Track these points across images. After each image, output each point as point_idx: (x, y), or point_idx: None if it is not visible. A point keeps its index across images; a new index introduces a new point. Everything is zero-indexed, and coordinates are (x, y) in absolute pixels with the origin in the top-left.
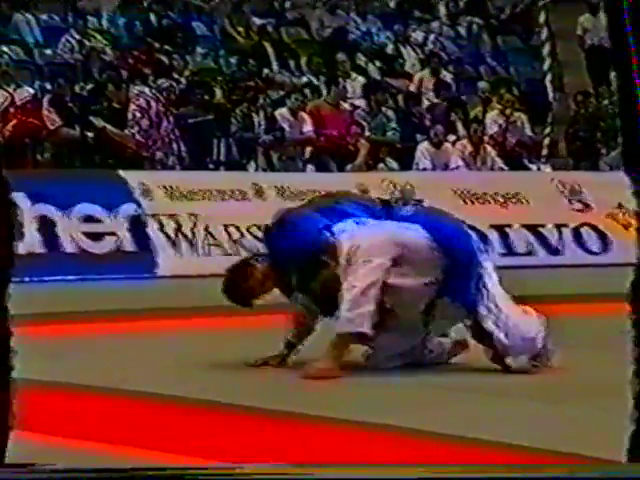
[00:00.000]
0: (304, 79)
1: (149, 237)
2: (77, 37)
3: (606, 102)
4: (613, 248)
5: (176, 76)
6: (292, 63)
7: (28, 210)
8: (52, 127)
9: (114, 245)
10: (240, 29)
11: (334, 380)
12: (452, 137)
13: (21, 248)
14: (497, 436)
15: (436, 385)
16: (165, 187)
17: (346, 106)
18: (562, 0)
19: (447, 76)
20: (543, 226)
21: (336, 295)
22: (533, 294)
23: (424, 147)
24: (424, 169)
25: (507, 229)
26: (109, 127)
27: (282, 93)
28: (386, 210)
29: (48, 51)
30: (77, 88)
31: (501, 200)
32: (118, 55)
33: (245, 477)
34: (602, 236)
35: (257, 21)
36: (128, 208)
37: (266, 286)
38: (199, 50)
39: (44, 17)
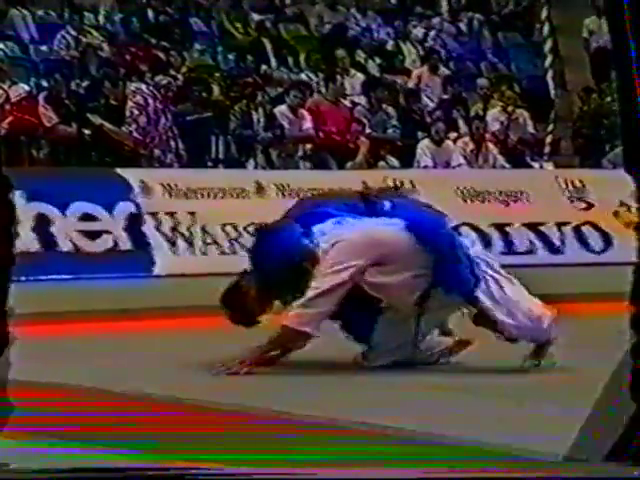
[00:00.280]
0: (303, 75)
1: (146, 236)
2: (73, 33)
3: (609, 99)
4: (615, 247)
5: (173, 73)
6: (291, 60)
7: (24, 208)
8: (48, 124)
9: (111, 244)
10: (238, 25)
11: (334, 380)
12: (453, 134)
13: (16, 246)
14: (495, 436)
15: (436, 385)
16: (163, 185)
17: (346, 103)
18: None
19: (445, 72)
20: (544, 224)
21: None
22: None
23: (425, 144)
24: (425, 167)
25: (508, 228)
26: (106, 124)
27: (280, 90)
28: (366, 205)
29: (44, 47)
30: (73, 85)
31: (503, 198)
32: (115, 51)
33: (245, 477)
34: (604, 235)
35: (255, 17)
36: (125, 206)
37: (265, 302)
38: (197, 46)
39: (40, 13)
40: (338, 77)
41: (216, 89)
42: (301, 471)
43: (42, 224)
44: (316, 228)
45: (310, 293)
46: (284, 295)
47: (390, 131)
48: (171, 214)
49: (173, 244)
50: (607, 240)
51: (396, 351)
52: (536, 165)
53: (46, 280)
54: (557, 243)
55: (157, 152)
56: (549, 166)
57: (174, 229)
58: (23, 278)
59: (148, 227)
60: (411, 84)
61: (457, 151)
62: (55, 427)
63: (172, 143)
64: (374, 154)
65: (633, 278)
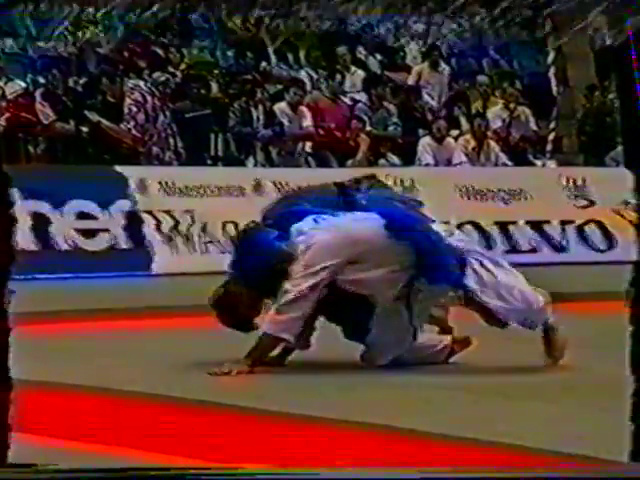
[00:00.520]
0: (302, 72)
1: (144, 234)
2: (71, 29)
3: (612, 96)
4: (618, 245)
5: (172, 69)
6: (290, 56)
7: (20, 206)
8: (46, 121)
9: (109, 242)
10: (237, 21)
11: (334, 380)
12: (455, 132)
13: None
14: (497, 436)
15: (436, 385)
16: (161, 183)
17: (346, 100)
18: None
19: (445, 69)
20: (547, 222)
21: None
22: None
23: (426, 142)
24: (426, 164)
25: (510, 226)
26: (104, 121)
27: (280, 87)
28: (344, 199)
29: (41, 43)
30: (71, 82)
31: (504, 196)
32: (113, 48)
33: (245, 477)
34: (607, 233)
35: (255, 13)
36: (123, 204)
37: (258, 305)
38: (196, 43)
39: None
40: (338, 74)
41: (215, 86)
42: (301, 471)
43: (39, 222)
44: (294, 228)
45: (285, 297)
46: (271, 295)
47: (391, 128)
48: (169, 212)
49: (172, 242)
50: (610, 238)
51: (396, 345)
52: (538, 163)
53: (43, 279)
54: (560, 241)
55: (156, 150)
56: (552, 164)
57: (173, 227)
58: (20, 277)
59: (146, 225)
60: (411, 80)
61: (459, 149)
62: (55, 427)
63: (171, 141)
64: (375, 152)
65: (632, 277)
